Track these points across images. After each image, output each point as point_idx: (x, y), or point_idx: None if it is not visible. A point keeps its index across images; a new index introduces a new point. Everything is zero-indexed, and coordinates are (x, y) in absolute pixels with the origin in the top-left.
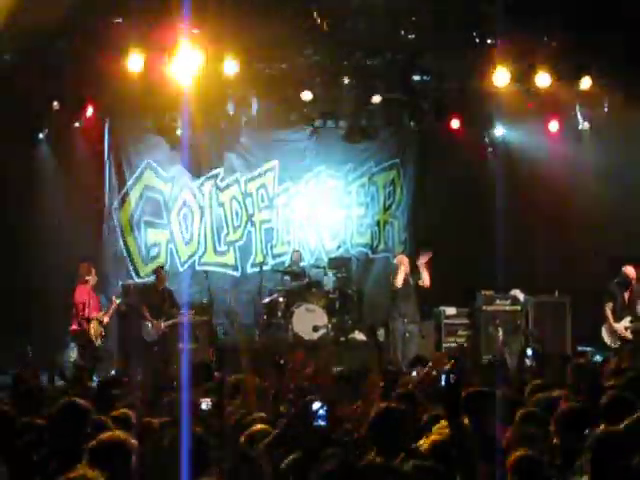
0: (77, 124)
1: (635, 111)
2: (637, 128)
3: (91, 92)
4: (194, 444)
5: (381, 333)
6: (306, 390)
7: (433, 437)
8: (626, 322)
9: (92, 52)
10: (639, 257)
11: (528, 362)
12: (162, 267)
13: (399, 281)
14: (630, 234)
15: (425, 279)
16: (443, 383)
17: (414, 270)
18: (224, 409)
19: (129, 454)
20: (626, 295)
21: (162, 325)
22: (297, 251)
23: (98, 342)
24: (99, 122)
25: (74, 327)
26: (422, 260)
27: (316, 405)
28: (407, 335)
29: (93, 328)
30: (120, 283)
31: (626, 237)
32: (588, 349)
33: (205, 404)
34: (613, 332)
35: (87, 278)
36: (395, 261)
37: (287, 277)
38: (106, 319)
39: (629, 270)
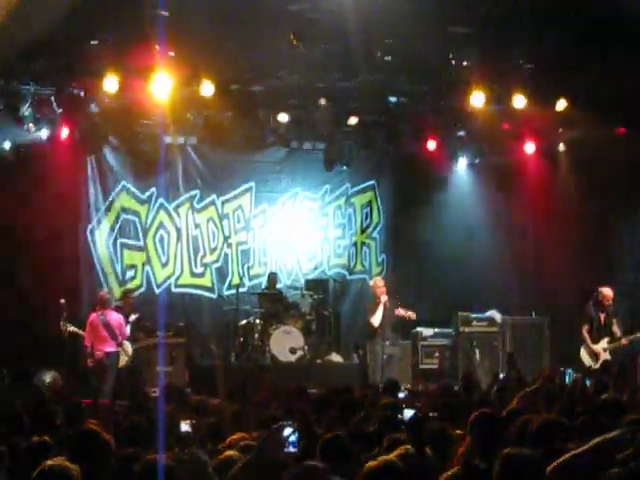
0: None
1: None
2: (613, 149)
3: (66, 113)
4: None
5: (359, 354)
6: (278, 416)
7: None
8: (604, 343)
9: (68, 73)
10: (614, 279)
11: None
12: (131, 291)
13: (377, 320)
14: (609, 257)
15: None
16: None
17: (391, 293)
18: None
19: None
20: (602, 316)
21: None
22: (274, 273)
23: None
24: (74, 144)
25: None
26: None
27: (287, 431)
28: (385, 357)
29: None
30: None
31: (605, 259)
32: (568, 370)
33: (185, 426)
34: (592, 353)
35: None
36: (372, 285)
37: (263, 299)
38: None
39: (605, 291)
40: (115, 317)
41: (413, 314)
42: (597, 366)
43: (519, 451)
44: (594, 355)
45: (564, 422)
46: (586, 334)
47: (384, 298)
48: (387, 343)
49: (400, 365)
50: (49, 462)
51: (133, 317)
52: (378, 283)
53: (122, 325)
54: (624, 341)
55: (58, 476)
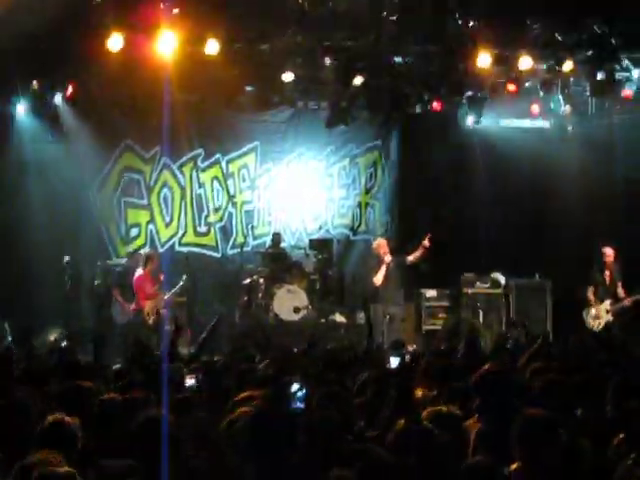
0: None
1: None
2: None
3: (70, 72)
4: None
5: (361, 315)
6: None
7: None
8: (607, 305)
9: (71, 32)
10: (620, 239)
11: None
12: (138, 252)
13: (379, 279)
14: (614, 217)
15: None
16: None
17: (395, 252)
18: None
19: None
20: (606, 277)
21: (131, 307)
22: (277, 234)
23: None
24: (77, 102)
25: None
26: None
27: (295, 386)
28: (388, 318)
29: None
30: (98, 264)
31: (610, 220)
32: None
33: (191, 381)
34: (595, 316)
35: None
36: (374, 246)
37: (267, 259)
38: None
39: (607, 251)
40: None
41: (425, 242)
42: (599, 328)
43: (537, 413)
44: (597, 317)
45: (566, 381)
46: (591, 296)
47: (388, 258)
48: (389, 303)
49: (403, 325)
50: (50, 418)
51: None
52: (381, 243)
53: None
54: (627, 302)
55: (63, 429)
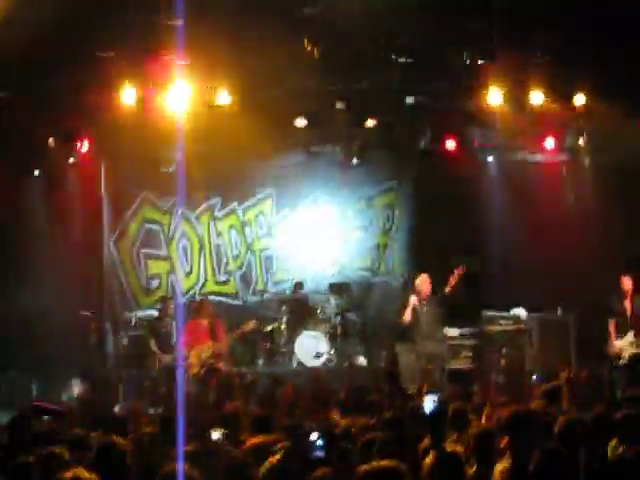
0: (72, 160)
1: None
2: (634, 143)
3: (86, 126)
4: None
5: (383, 357)
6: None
7: None
8: (630, 336)
9: (86, 86)
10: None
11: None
12: (170, 298)
13: (406, 317)
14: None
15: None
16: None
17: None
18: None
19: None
20: (627, 308)
21: (169, 359)
22: (299, 282)
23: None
24: (95, 157)
25: None
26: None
27: (314, 436)
28: (421, 358)
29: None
30: (126, 315)
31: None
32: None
33: (216, 435)
34: (618, 348)
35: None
36: (417, 282)
37: (288, 304)
38: None
39: (626, 281)
40: None
41: (458, 271)
42: (623, 362)
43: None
44: (620, 350)
45: (586, 420)
46: (612, 329)
47: (412, 298)
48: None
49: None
50: (69, 474)
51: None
52: (424, 279)
53: None
54: None
55: None
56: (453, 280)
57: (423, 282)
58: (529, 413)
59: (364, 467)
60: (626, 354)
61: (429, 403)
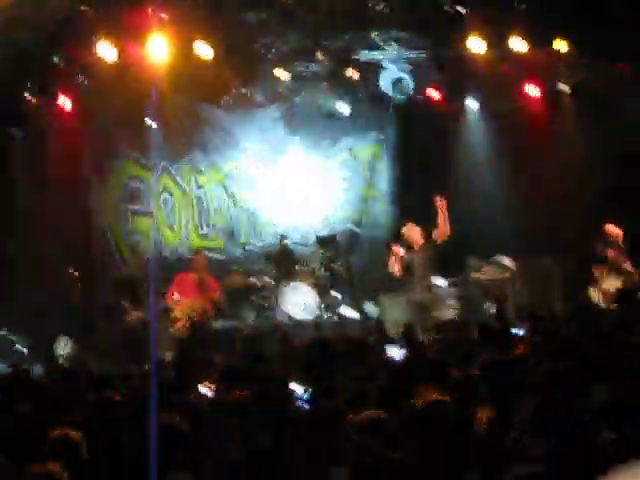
0: (53, 116)
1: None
2: (617, 88)
3: (66, 82)
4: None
5: (370, 307)
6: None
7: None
8: (613, 281)
9: (64, 41)
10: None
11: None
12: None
13: (395, 269)
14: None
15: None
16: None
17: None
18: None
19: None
20: (611, 254)
21: (142, 315)
22: (283, 235)
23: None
24: (76, 114)
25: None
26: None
27: (299, 389)
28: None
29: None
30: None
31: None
32: None
33: (206, 390)
34: (603, 293)
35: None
36: (404, 231)
37: (273, 257)
38: None
39: (610, 228)
40: None
41: (441, 205)
42: (607, 306)
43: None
44: (604, 295)
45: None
46: (597, 274)
47: (398, 249)
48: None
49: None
50: (56, 431)
51: None
52: (411, 228)
53: None
54: (637, 276)
55: (68, 442)
56: (442, 218)
57: (410, 231)
58: (511, 360)
59: (352, 417)
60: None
61: (398, 353)
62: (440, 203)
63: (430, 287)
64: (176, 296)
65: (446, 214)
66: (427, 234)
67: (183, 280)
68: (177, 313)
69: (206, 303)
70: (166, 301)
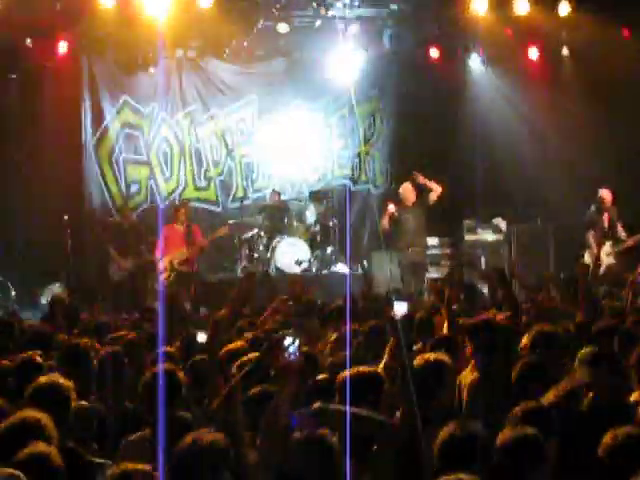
0: (50, 62)
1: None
2: (619, 52)
3: (65, 28)
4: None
5: (365, 264)
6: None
7: None
8: (607, 247)
9: None
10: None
11: None
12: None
13: (384, 225)
14: (612, 162)
15: (433, 191)
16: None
17: (402, 205)
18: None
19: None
20: (605, 219)
21: (129, 264)
22: (276, 192)
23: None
24: (73, 59)
25: None
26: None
27: (287, 340)
28: (398, 266)
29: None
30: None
31: (610, 165)
32: None
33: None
34: (596, 258)
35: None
36: (400, 191)
37: (268, 212)
38: None
39: (604, 193)
40: None
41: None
42: (602, 271)
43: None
44: (598, 260)
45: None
46: (591, 239)
47: (390, 206)
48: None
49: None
50: (43, 378)
51: None
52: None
53: None
54: (630, 242)
55: (52, 392)
56: (429, 184)
57: (405, 190)
58: (494, 322)
59: (344, 374)
60: (603, 264)
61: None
62: (417, 177)
63: (423, 247)
64: (162, 247)
65: (430, 181)
66: (422, 195)
67: (170, 231)
68: (165, 264)
69: (194, 253)
70: (154, 253)
